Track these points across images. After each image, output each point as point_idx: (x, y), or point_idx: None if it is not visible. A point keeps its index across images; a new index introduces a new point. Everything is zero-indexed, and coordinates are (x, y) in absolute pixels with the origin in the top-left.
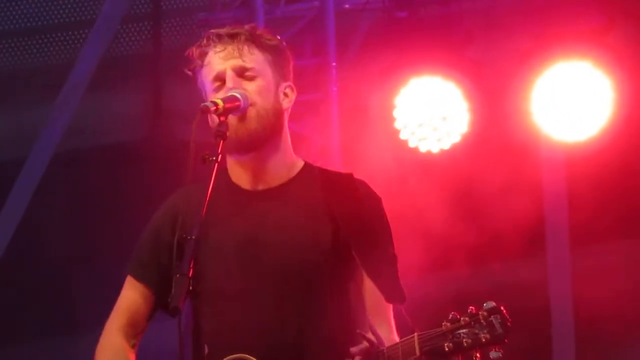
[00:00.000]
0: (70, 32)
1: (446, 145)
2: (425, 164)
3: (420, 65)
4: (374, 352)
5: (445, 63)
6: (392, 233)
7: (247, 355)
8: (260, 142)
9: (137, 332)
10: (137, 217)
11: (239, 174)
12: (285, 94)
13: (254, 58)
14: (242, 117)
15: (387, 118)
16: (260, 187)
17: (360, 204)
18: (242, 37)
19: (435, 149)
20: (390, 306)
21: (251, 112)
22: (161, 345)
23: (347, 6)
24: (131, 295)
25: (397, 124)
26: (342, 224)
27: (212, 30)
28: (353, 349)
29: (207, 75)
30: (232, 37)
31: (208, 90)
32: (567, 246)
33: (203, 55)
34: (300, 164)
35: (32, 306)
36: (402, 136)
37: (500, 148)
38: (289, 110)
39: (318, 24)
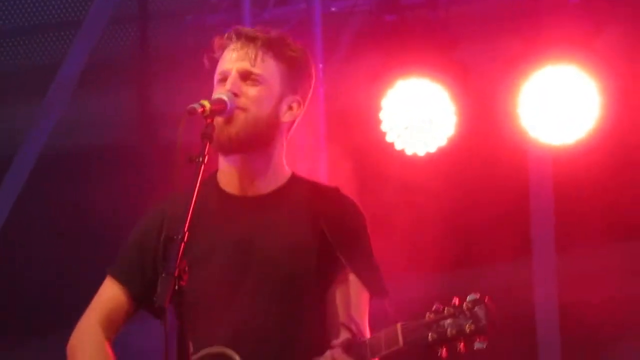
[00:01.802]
0: (57, 33)
1: (432, 148)
2: (412, 167)
3: (408, 68)
4: (356, 343)
5: (433, 65)
6: (377, 235)
7: (225, 349)
8: (243, 147)
9: (113, 328)
10: (122, 218)
11: (228, 179)
12: (290, 107)
13: (264, 66)
14: (229, 120)
15: (374, 120)
16: (249, 193)
17: (345, 214)
18: (259, 43)
19: (421, 152)
20: (366, 310)
21: (239, 116)
22: (142, 346)
23: (334, 9)
24: (110, 293)
25: (384, 127)
26: (327, 232)
27: (237, 27)
28: (334, 341)
29: (217, 68)
30: (250, 39)
31: (214, 82)
32: (553, 250)
33: (222, 48)
34: (288, 174)
35: (16, 305)
36: (389, 139)
37: (487, 151)
38: (294, 124)
39: (305, 26)
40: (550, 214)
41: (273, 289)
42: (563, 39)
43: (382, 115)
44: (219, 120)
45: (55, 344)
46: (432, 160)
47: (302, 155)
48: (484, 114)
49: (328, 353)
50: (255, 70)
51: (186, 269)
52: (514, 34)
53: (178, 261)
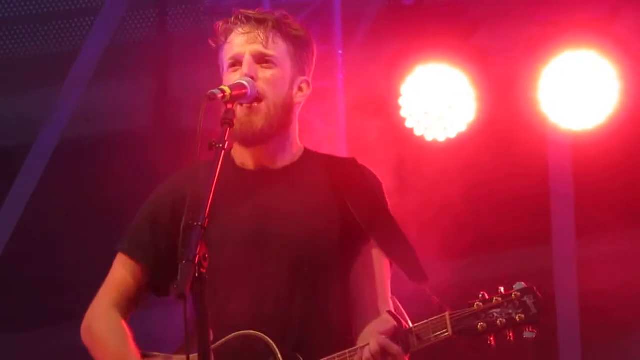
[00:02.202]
0: (76, 19)
1: (452, 133)
2: (432, 153)
3: (427, 53)
4: (402, 331)
5: (452, 51)
6: (398, 222)
7: (257, 332)
8: (266, 138)
9: (128, 308)
10: (141, 202)
11: (244, 157)
12: (300, 88)
13: (276, 47)
14: (250, 112)
15: (393, 106)
16: (265, 168)
17: (367, 186)
18: (269, 24)
19: (441, 138)
20: (389, 284)
21: (261, 108)
22: (150, 334)
23: None
24: (123, 273)
25: (403, 112)
26: (352, 206)
27: (242, 10)
28: (381, 329)
29: (226, 54)
30: (260, 22)
31: (224, 68)
32: (574, 235)
33: (227, 32)
34: (301, 148)
35: (35, 295)
36: (408, 124)
37: (506, 136)
38: (302, 104)
39: (324, 11)
40: (570, 199)
41: (290, 267)
42: (582, 23)
43: (402, 101)
44: (241, 112)
45: (73, 328)
46: (452, 146)
47: (322, 141)
48: (504, 100)
49: (374, 340)
50: (269, 52)
51: (207, 255)
52: (533, 19)
53: (198, 248)
